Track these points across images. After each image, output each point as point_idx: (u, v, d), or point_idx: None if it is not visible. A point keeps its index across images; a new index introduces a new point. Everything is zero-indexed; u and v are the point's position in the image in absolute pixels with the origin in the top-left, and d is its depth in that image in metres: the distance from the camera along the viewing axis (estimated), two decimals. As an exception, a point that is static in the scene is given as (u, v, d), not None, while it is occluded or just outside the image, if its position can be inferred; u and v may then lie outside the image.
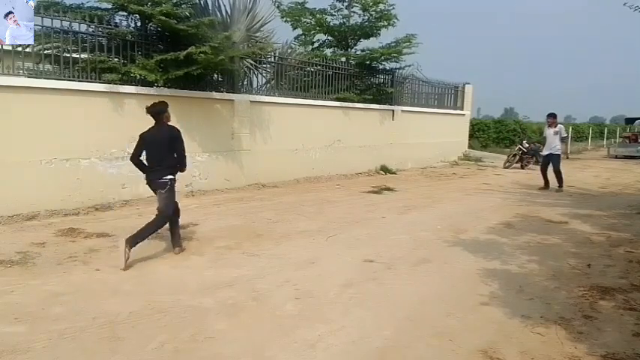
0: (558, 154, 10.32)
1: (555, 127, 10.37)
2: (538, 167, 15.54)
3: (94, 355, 2.85)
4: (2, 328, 3.13)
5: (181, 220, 6.09)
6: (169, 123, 4.92)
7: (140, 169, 4.89)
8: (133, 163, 4.87)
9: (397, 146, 13.11)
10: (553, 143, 10.32)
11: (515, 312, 3.64)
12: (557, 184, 10.28)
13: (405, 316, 3.56)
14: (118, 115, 7.04)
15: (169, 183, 4.74)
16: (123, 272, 4.26)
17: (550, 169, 10.36)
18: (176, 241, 4.97)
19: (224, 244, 5.28)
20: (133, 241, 4.43)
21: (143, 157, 4.86)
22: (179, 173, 4.93)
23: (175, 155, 4.84)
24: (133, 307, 3.50)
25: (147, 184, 4.89)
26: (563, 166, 10.64)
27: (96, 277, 4.14)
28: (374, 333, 3.26)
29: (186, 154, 4.90)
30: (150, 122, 4.83)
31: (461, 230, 6.29)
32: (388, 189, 9.65)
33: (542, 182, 10.55)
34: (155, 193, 4.86)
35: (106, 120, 6.94)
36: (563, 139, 10.52)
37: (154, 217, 4.75)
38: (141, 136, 4.80)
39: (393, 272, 4.55)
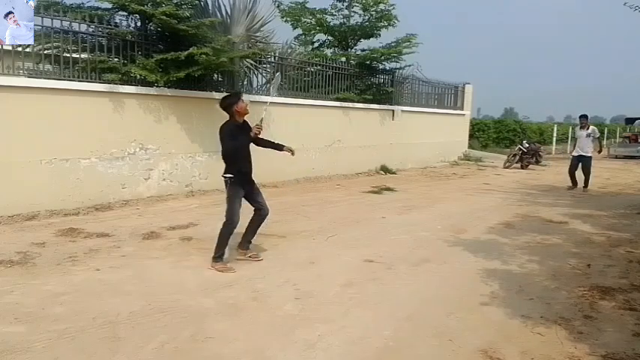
0: (590, 157, 10.41)
1: (588, 128, 10.42)
2: (538, 167, 15.71)
3: (94, 355, 2.85)
4: (2, 328, 3.13)
5: (182, 220, 6.16)
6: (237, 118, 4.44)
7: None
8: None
9: (397, 146, 13.10)
10: (586, 146, 10.39)
11: (516, 312, 3.64)
12: (584, 185, 10.40)
13: (405, 316, 3.56)
14: (118, 115, 7.04)
15: (226, 181, 4.47)
16: (123, 272, 4.26)
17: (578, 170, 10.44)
18: (242, 244, 4.74)
19: (224, 244, 5.28)
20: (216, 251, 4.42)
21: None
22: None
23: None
24: (133, 307, 3.50)
25: None
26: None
27: (96, 277, 4.14)
28: (374, 333, 3.26)
29: (229, 153, 4.43)
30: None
31: (461, 230, 6.28)
32: (388, 189, 9.65)
33: (569, 182, 10.63)
34: None
35: (106, 120, 6.93)
36: (595, 140, 10.63)
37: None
38: None
39: (393, 272, 4.55)
